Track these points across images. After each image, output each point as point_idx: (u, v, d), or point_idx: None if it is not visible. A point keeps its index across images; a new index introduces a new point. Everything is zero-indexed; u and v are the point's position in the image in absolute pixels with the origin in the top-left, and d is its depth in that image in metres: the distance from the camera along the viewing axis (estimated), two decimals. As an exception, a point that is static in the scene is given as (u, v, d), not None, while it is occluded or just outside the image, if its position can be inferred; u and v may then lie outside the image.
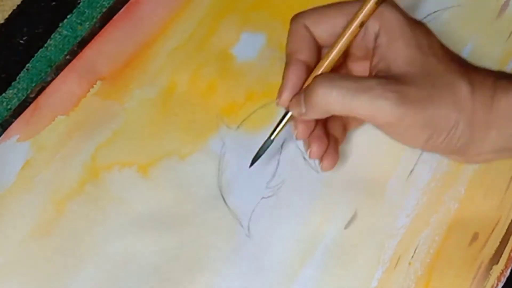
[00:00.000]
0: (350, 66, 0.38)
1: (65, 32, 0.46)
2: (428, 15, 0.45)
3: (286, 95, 0.36)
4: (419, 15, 0.45)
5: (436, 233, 0.39)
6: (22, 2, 0.47)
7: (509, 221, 0.39)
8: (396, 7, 0.35)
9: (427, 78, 0.33)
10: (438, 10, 0.46)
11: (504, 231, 0.39)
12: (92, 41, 0.45)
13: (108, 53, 0.44)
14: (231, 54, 0.45)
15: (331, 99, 0.33)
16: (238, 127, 0.42)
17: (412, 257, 0.39)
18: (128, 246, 0.39)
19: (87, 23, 0.46)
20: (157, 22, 0.46)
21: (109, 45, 0.45)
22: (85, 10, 0.46)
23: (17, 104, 0.43)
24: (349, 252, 0.39)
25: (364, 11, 0.34)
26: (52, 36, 0.45)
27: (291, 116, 0.36)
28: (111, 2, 0.46)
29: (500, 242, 0.39)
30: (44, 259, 0.39)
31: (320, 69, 0.35)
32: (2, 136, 0.42)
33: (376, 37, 0.34)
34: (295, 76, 0.35)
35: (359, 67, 0.38)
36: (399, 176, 0.41)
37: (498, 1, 0.46)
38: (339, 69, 0.38)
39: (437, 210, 0.40)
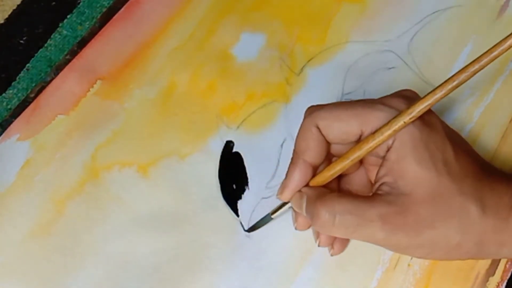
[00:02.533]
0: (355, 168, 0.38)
1: (65, 32, 0.46)
2: (428, 15, 0.45)
3: (288, 193, 0.36)
4: (419, 15, 0.45)
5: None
6: (22, 2, 0.47)
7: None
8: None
9: (433, 201, 0.32)
10: (438, 10, 0.46)
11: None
12: (92, 41, 0.45)
13: (108, 53, 0.44)
14: (231, 54, 0.45)
15: (333, 229, 0.33)
16: (238, 127, 0.42)
17: (411, 258, 0.38)
18: (128, 246, 0.39)
19: (87, 23, 0.46)
20: (157, 22, 0.46)
21: (109, 45, 0.45)
22: (85, 10, 0.46)
23: (17, 104, 0.43)
24: (349, 252, 0.39)
25: (388, 133, 0.33)
26: (52, 36, 0.45)
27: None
28: (111, 2, 0.46)
29: None
30: (44, 259, 0.39)
31: (330, 173, 0.35)
32: (2, 136, 0.42)
33: (388, 149, 0.33)
34: (298, 176, 0.36)
35: (373, 164, 0.37)
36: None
37: (498, 1, 0.46)
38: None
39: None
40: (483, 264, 0.38)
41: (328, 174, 0.35)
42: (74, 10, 0.46)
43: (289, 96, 0.43)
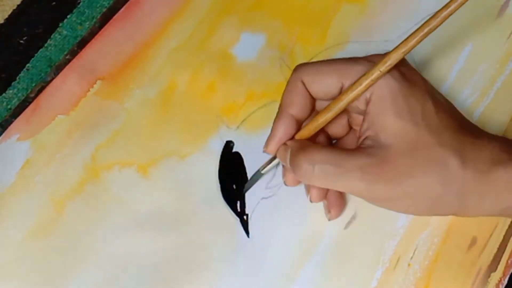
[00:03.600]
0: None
1: (65, 32, 0.46)
2: (428, 15, 0.45)
3: (273, 146, 0.37)
4: (419, 15, 0.45)
5: (435, 235, 0.39)
6: (22, 2, 0.47)
7: (507, 227, 0.39)
8: (392, 71, 0.34)
9: (413, 152, 0.33)
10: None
11: (502, 236, 0.39)
12: (92, 41, 0.45)
13: (108, 53, 0.44)
14: (231, 54, 0.45)
15: (313, 178, 0.34)
16: (238, 127, 0.42)
17: (412, 258, 0.39)
18: (128, 246, 0.39)
19: (87, 23, 0.46)
20: (157, 22, 0.46)
21: (109, 45, 0.45)
22: (85, 10, 0.46)
23: (17, 104, 0.43)
24: (349, 252, 0.39)
25: (365, 83, 0.34)
26: (52, 36, 0.45)
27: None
28: (111, 2, 0.46)
29: (498, 249, 0.39)
30: (44, 259, 0.39)
31: (313, 126, 0.36)
32: (2, 136, 0.42)
33: (367, 103, 0.34)
34: (283, 129, 0.36)
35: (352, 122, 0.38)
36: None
37: (498, 1, 0.46)
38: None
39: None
40: (485, 260, 0.38)
41: (312, 127, 0.36)
42: (74, 10, 0.46)
43: (289, 96, 0.43)
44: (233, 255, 0.39)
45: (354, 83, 0.34)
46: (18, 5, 0.47)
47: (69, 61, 0.44)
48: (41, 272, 0.38)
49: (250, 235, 0.39)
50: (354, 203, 0.40)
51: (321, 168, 0.34)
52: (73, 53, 0.44)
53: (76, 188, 0.40)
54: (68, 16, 0.46)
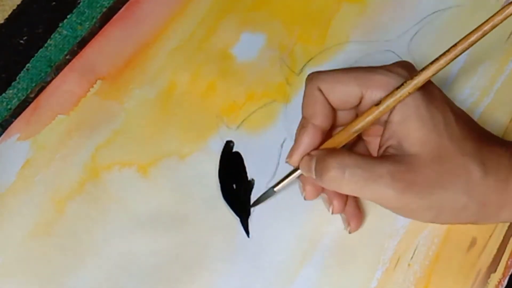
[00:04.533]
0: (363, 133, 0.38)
1: (65, 32, 0.46)
2: (428, 15, 0.45)
3: (297, 157, 0.36)
4: (419, 15, 0.45)
5: (436, 235, 0.39)
6: (22, 2, 0.47)
7: (506, 227, 0.39)
8: None
9: (438, 161, 0.33)
10: (438, 10, 0.46)
11: (502, 237, 0.39)
12: (92, 41, 0.45)
13: (108, 53, 0.44)
14: (231, 54, 0.45)
15: (342, 183, 0.33)
16: (238, 127, 0.42)
17: (412, 258, 0.39)
18: (128, 246, 0.39)
19: (87, 23, 0.46)
20: (157, 22, 0.46)
21: (109, 45, 0.45)
22: (85, 10, 0.46)
23: (17, 104, 0.43)
24: (349, 252, 0.39)
25: (392, 103, 0.33)
26: (52, 36, 0.45)
27: (299, 174, 0.37)
28: (111, 2, 0.46)
29: (498, 250, 0.39)
30: (44, 259, 0.39)
31: (339, 142, 0.36)
32: (2, 136, 0.42)
33: (390, 112, 0.34)
34: (307, 140, 0.36)
35: (372, 135, 0.38)
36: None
37: (498, 1, 0.46)
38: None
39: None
40: (485, 261, 0.38)
41: (342, 138, 0.35)
42: (74, 10, 0.46)
43: (289, 96, 0.43)
44: (233, 255, 0.39)
45: (379, 102, 0.34)
46: (18, 5, 0.47)
47: (69, 61, 0.44)
48: (41, 272, 0.38)
49: (250, 235, 0.39)
50: (354, 203, 0.40)
51: (351, 172, 0.33)
52: (73, 53, 0.44)
53: (76, 188, 0.40)
54: (68, 16, 0.46)
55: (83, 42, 0.45)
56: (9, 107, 0.43)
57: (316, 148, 0.36)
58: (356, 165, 0.33)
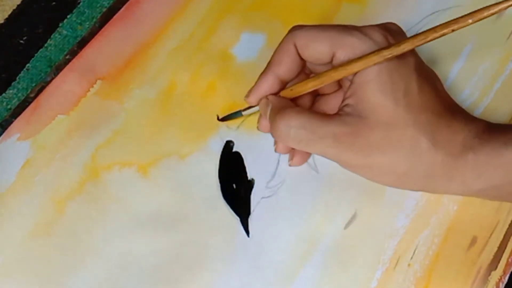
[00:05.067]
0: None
1: (65, 32, 0.46)
2: (428, 15, 0.45)
3: (253, 98, 0.39)
4: (419, 16, 0.45)
5: (436, 234, 0.39)
6: (22, 2, 0.47)
7: (507, 226, 0.39)
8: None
9: (386, 128, 0.34)
10: (438, 10, 0.46)
11: (502, 236, 0.39)
12: (92, 41, 0.45)
13: (108, 53, 0.44)
14: (231, 54, 0.45)
15: (289, 139, 0.36)
16: (238, 127, 0.42)
17: (412, 258, 0.39)
18: (128, 246, 0.39)
19: (87, 23, 0.46)
20: (157, 22, 0.46)
21: (109, 45, 0.45)
22: (85, 10, 0.46)
23: (17, 104, 0.43)
24: (349, 252, 0.39)
25: (358, 67, 0.34)
26: (52, 36, 0.45)
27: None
28: (111, 2, 0.46)
29: (498, 247, 0.39)
30: (44, 259, 0.39)
31: (298, 89, 0.37)
32: (2, 136, 0.42)
33: (355, 72, 0.35)
34: (265, 85, 0.38)
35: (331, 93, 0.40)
36: (399, 176, 0.41)
37: (498, 1, 0.46)
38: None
39: (437, 210, 0.40)
40: (485, 259, 0.38)
41: (298, 90, 0.37)
42: (74, 10, 0.46)
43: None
44: (233, 255, 0.39)
45: (348, 62, 0.34)
46: (18, 5, 0.47)
47: (69, 61, 0.44)
48: (41, 272, 0.38)
49: (250, 235, 0.39)
50: (355, 203, 0.40)
51: (296, 133, 0.35)
52: (73, 53, 0.44)
53: (76, 188, 0.40)
54: (68, 16, 0.46)
55: (83, 42, 0.45)
56: (9, 107, 0.43)
57: (275, 94, 0.38)
58: (301, 126, 0.35)
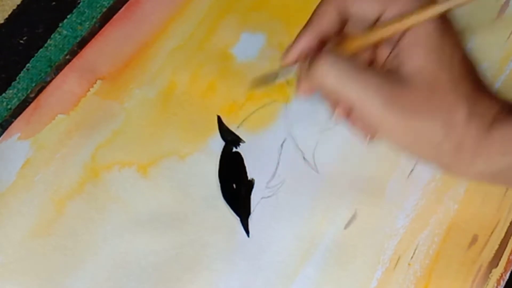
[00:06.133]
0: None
1: (65, 32, 0.46)
2: (428, 15, 0.45)
3: (292, 56, 0.36)
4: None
5: (436, 234, 0.39)
6: (22, 2, 0.47)
7: (508, 224, 0.39)
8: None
9: (429, 91, 0.33)
10: (438, 10, 0.46)
11: (503, 234, 0.39)
12: (92, 40, 0.45)
13: (108, 53, 0.44)
14: (231, 54, 0.45)
15: (329, 76, 0.33)
16: (238, 127, 0.42)
17: (412, 257, 0.39)
18: (128, 246, 0.39)
19: (87, 23, 0.46)
20: (157, 22, 0.46)
21: (109, 45, 0.45)
22: (85, 10, 0.46)
23: (17, 104, 0.43)
24: (349, 252, 0.39)
25: (417, 19, 0.33)
26: (52, 36, 0.46)
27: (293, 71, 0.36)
28: (111, 2, 0.46)
29: (499, 245, 0.39)
30: (44, 259, 0.39)
31: (348, 47, 0.35)
32: (3, 135, 0.42)
33: (402, 34, 0.34)
34: (306, 41, 0.36)
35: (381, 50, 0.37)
36: (399, 176, 0.41)
37: (498, 1, 0.46)
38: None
39: (437, 210, 0.40)
40: (486, 257, 0.38)
41: (345, 48, 0.35)
42: (74, 10, 0.46)
43: (289, 96, 0.43)
44: (233, 255, 0.39)
45: (406, 15, 0.33)
46: (18, 5, 0.47)
47: (69, 61, 0.44)
48: (41, 271, 0.38)
49: (250, 234, 0.39)
50: (355, 203, 0.40)
51: (339, 67, 0.33)
52: (73, 53, 0.44)
53: (76, 188, 0.40)
54: (68, 16, 0.46)
55: (83, 42, 0.45)
56: (9, 107, 0.43)
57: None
58: (347, 62, 0.33)
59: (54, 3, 0.47)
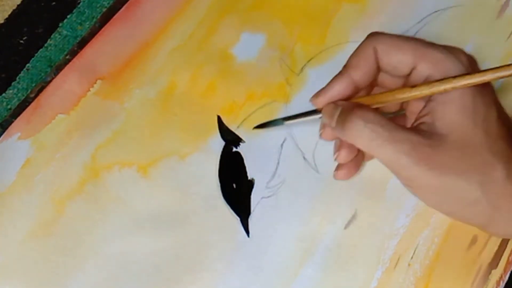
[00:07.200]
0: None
1: (65, 32, 0.46)
2: (428, 15, 0.45)
3: (323, 99, 0.36)
4: (419, 15, 0.45)
5: (436, 234, 0.39)
6: (22, 2, 0.47)
7: (508, 223, 0.39)
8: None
9: (464, 149, 0.32)
10: (438, 10, 0.46)
11: (503, 233, 0.39)
12: (92, 40, 0.45)
13: (108, 53, 0.44)
14: (231, 54, 0.45)
15: (360, 136, 0.33)
16: (238, 127, 0.42)
17: (412, 258, 0.39)
18: (128, 246, 0.39)
19: (87, 23, 0.46)
20: (157, 22, 0.46)
21: (109, 45, 0.45)
22: (85, 10, 0.46)
23: (17, 104, 0.43)
24: (349, 252, 0.39)
25: (445, 87, 0.33)
26: (52, 36, 0.46)
27: (315, 117, 0.37)
28: (111, 2, 0.46)
29: (499, 246, 0.39)
30: (44, 259, 0.39)
31: (373, 101, 0.35)
32: (3, 135, 0.42)
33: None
34: (339, 88, 0.36)
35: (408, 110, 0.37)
36: (399, 176, 0.41)
37: (498, 1, 0.46)
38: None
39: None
40: (485, 258, 0.38)
41: (376, 100, 0.35)
42: (74, 10, 0.46)
43: (289, 96, 0.43)
44: (233, 255, 0.39)
45: (435, 81, 0.33)
46: (18, 5, 0.47)
47: (69, 61, 0.44)
48: (41, 271, 0.38)
49: (250, 234, 0.39)
50: (355, 203, 0.40)
51: (372, 128, 0.33)
52: (73, 53, 0.44)
53: (76, 188, 0.40)
54: (68, 16, 0.46)
55: (83, 42, 0.45)
56: (9, 107, 0.43)
57: (344, 100, 0.36)
58: (380, 124, 0.33)
59: (54, 3, 0.47)
